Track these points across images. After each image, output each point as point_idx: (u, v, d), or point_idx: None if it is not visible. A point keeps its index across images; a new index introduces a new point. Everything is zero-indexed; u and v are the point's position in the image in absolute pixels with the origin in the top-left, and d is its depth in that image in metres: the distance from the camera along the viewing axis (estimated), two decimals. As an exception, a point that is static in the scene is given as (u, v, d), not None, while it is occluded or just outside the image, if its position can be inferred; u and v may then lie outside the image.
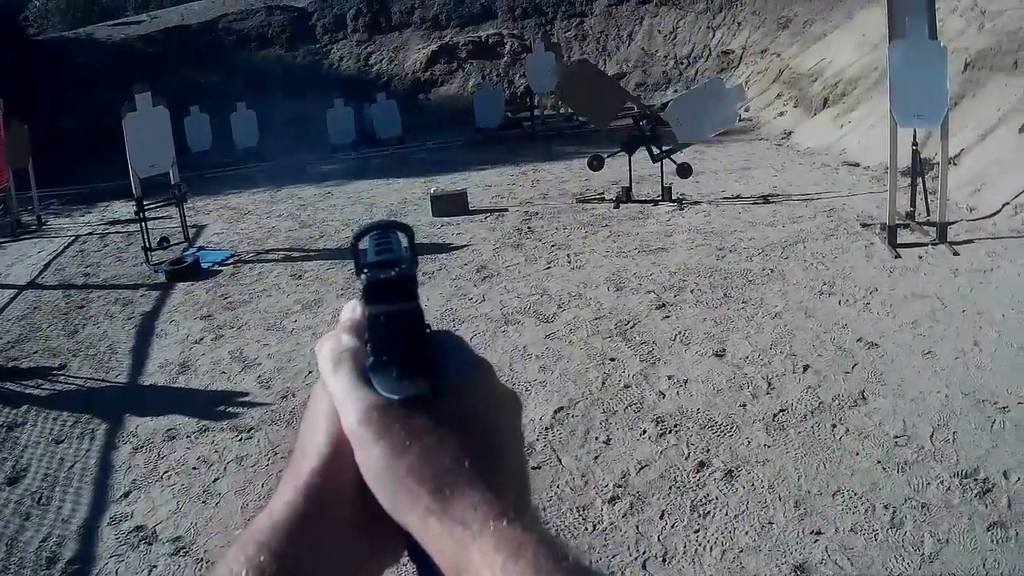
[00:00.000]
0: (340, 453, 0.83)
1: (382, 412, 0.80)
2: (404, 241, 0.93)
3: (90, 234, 18.15)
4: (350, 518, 0.83)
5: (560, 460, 7.02)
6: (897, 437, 6.87)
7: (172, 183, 15.02)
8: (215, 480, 7.21)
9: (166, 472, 7.41)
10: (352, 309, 0.94)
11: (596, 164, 16.22)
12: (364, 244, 0.93)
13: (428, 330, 0.87)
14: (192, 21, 34.46)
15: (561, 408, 7.88)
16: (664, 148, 15.26)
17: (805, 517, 5.94)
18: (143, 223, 14.21)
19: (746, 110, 24.01)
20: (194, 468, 7.44)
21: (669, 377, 8.29)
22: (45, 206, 21.41)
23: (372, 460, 0.79)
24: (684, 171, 15.38)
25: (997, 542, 5.54)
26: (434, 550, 0.76)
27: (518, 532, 0.73)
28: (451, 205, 16.16)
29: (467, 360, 0.88)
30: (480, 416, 0.84)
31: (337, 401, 0.84)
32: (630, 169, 15.48)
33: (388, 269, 0.87)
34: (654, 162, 15.28)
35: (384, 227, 0.95)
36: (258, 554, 0.78)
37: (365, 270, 0.87)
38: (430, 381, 0.82)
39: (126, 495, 7.14)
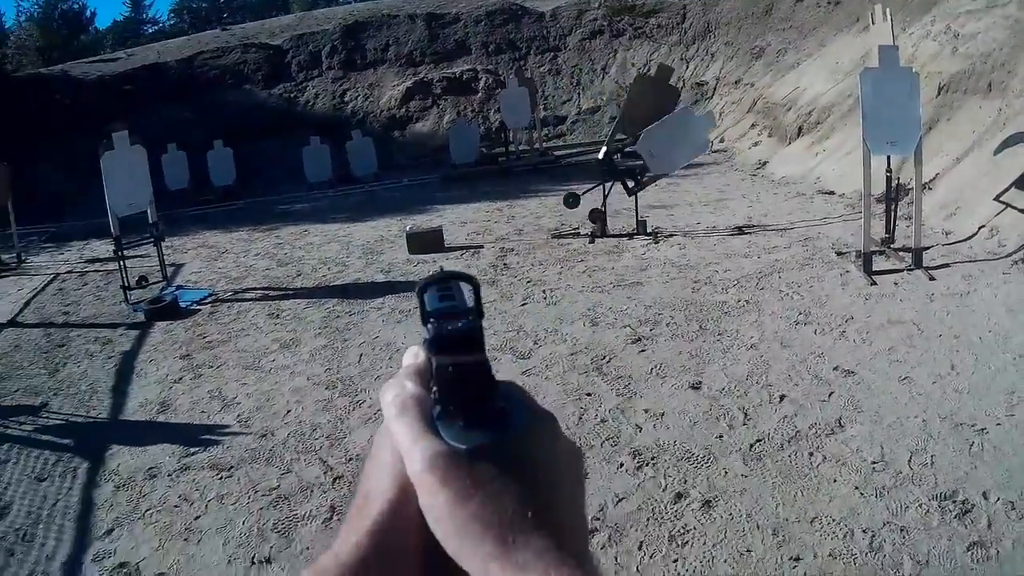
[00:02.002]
0: (406, 498, 0.85)
1: (448, 460, 0.82)
2: (469, 293, 0.93)
3: (70, 272, 18.19)
4: (414, 561, 0.85)
5: (538, 496, 7.03)
6: (875, 463, 6.94)
7: (150, 222, 15.06)
8: (196, 518, 7.22)
9: (148, 510, 7.42)
10: (414, 355, 0.95)
11: (572, 201, 16.34)
12: (428, 293, 0.93)
13: (495, 381, 0.88)
14: (168, 59, 34.62)
15: (539, 444, 7.87)
16: (639, 180, 15.34)
17: (784, 544, 6.00)
18: (122, 262, 14.25)
19: (720, 140, 24.12)
20: (175, 506, 7.45)
21: (646, 411, 8.32)
22: (25, 244, 21.37)
23: (437, 506, 0.81)
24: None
25: (978, 561, 5.61)
26: None
27: None
28: (427, 242, 16.21)
29: (533, 412, 0.90)
30: (544, 467, 0.86)
31: (402, 447, 0.86)
32: (604, 203, 15.52)
33: (455, 320, 0.88)
34: (629, 195, 15.40)
35: (449, 277, 0.95)
36: None
37: (431, 320, 0.89)
38: (496, 431, 0.85)
39: (109, 532, 7.17)
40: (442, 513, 0.81)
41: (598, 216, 15.62)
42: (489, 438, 0.84)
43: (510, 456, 0.84)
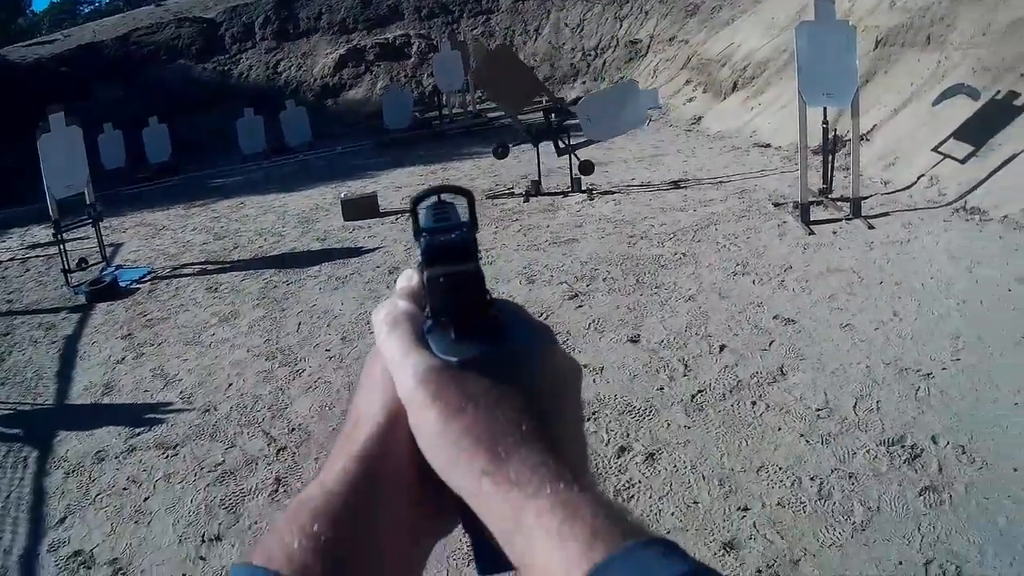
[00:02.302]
0: (395, 422, 0.81)
1: (438, 374, 0.78)
2: (464, 206, 0.90)
3: (11, 260, 17.93)
4: (405, 487, 0.81)
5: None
6: (819, 410, 6.88)
7: (87, 203, 14.92)
8: (145, 499, 7.18)
9: (98, 495, 7.37)
10: (408, 278, 0.92)
11: (501, 152, 16.27)
12: (422, 209, 0.91)
13: (489, 296, 0.84)
14: (104, 37, 34.32)
15: (478, 404, 7.76)
16: (571, 143, 15.25)
17: (730, 494, 5.92)
18: (61, 245, 14.16)
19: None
20: (124, 489, 7.40)
21: (585, 366, 8.13)
22: (-39, 234, 21.11)
23: (427, 422, 0.77)
24: (587, 168, 15.41)
25: (931, 506, 5.55)
26: (487, 512, 0.74)
27: (575, 494, 0.70)
28: (361, 208, 16.18)
29: (530, 325, 0.87)
30: (539, 381, 0.81)
31: (392, 364, 0.82)
32: (538, 162, 15.49)
33: (448, 233, 0.85)
34: (559, 155, 15.33)
35: (442, 193, 0.93)
36: (312, 522, 0.76)
37: (424, 234, 0.86)
38: (490, 343, 0.81)
39: (62, 521, 7.10)
40: (432, 430, 0.77)
41: (589, 167, 15.52)
42: (482, 350, 0.80)
43: (504, 368, 0.80)
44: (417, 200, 0.90)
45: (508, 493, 0.71)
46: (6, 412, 9.72)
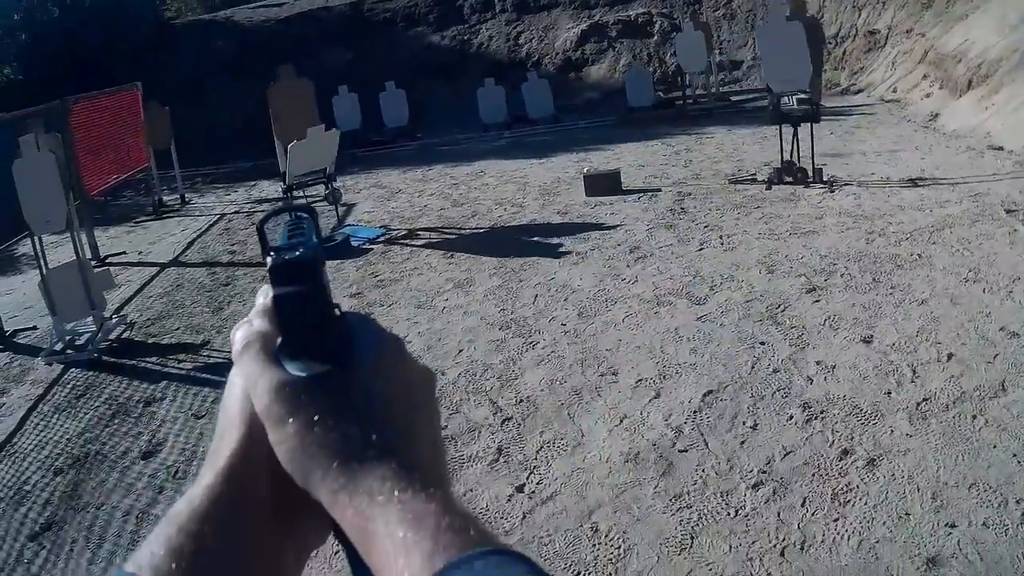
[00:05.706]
0: (256, 436, 0.83)
1: (291, 390, 0.81)
2: (310, 224, 0.95)
3: (236, 212, 18.56)
4: (270, 499, 0.84)
5: (707, 444, 6.97)
6: (1037, 430, 6.61)
7: (326, 174, 15.06)
8: None
9: None
10: (265, 294, 0.93)
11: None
12: (275, 230, 0.94)
13: (338, 311, 0.87)
14: (336, 2, 34.35)
15: (710, 391, 7.80)
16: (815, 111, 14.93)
17: (941, 509, 5.81)
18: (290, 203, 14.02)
19: (893, 90, 23.55)
20: None
21: (818, 363, 8.13)
22: (188, 185, 21.90)
23: (284, 438, 0.80)
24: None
25: None
26: (344, 524, 0.77)
27: (422, 504, 0.73)
28: (604, 185, 15.98)
29: (377, 337, 0.90)
30: (389, 392, 0.85)
31: (249, 383, 0.85)
32: (781, 151, 15.16)
33: (293, 251, 0.87)
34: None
35: (289, 211, 0.97)
36: (177, 536, 0.78)
37: (271, 253, 0.87)
38: (338, 358, 0.83)
39: None
40: (289, 445, 0.80)
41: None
42: (330, 364, 0.83)
43: (353, 382, 0.83)
44: (264, 220, 0.93)
45: (360, 504, 0.75)
46: (219, 360, 10.05)
